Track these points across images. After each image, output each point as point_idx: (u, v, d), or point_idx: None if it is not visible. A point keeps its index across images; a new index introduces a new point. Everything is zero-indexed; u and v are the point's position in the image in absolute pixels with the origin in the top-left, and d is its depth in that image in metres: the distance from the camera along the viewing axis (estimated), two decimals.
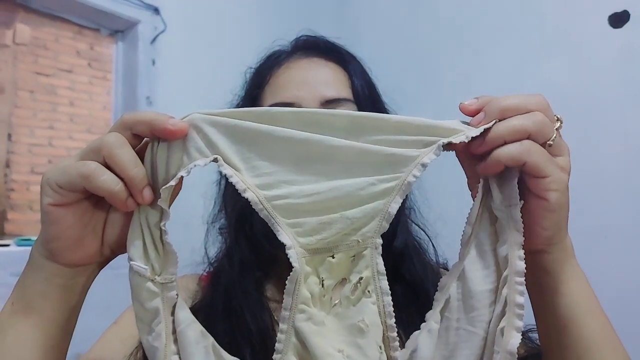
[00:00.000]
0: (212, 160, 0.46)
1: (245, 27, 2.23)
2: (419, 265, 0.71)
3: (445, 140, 0.45)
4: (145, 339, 0.47)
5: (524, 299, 0.44)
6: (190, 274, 0.76)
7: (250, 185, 0.46)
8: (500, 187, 0.46)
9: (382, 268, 0.48)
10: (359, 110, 0.69)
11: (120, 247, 0.49)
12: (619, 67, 1.57)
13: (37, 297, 0.47)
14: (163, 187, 0.44)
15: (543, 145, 0.44)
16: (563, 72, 1.68)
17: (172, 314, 0.47)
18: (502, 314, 0.44)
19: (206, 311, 0.65)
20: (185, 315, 0.47)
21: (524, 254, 0.45)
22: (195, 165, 0.45)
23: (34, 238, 1.75)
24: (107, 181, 0.43)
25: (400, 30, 2.25)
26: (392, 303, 0.47)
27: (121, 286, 0.51)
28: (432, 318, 0.48)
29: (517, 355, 0.43)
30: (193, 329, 0.47)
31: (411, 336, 0.49)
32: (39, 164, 1.90)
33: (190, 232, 0.85)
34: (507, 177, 0.46)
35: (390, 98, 0.79)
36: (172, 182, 0.44)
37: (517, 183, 0.45)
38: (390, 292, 0.48)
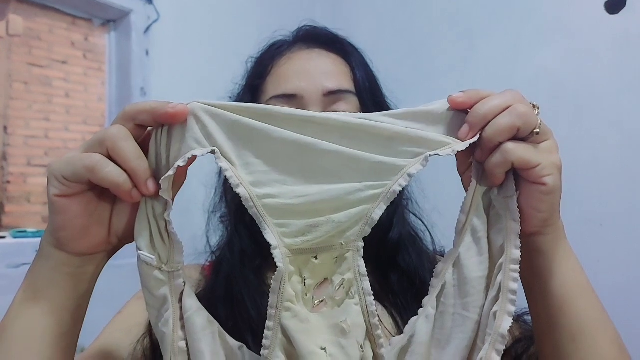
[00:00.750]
0: (210, 152, 0.47)
1: (240, 16, 2.21)
2: (414, 254, 0.72)
3: (432, 153, 0.47)
4: (155, 324, 0.49)
5: (517, 286, 0.46)
6: (193, 264, 0.77)
7: (244, 181, 0.47)
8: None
9: (363, 270, 0.50)
10: (360, 102, 0.70)
11: (127, 237, 0.51)
12: (615, 54, 1.56)
13: (46, 285, 0.49)
14: (162, 178, 0.45)
15: (530, 134, 0.46)
16: (558, 59, 1.68)
17: (180, 301, 0.49)
18: (496, 299, 0.46)
19: (209, 298, 0.65)
20: (192, 302, 0.49)
21: (524, 237, 0.47)
22: (192, 155, 0.46)
23: (30, 230, 1.76)
24: (111, 173, 0.44)
25: (394, 19, 2.24)
26: (374, 303, 0.49)
27: (123, 278, 0.52)
28: (429, 304, 0.50)
29: (508, 338, 0.45)
30: (200, 316, 0.49)
31: (409, 322, 0.50)
32: (35, 156, 1.90)
33: (192, 220, 0.86)
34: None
35: (388, 90, 0.80)
36: (170, 172, 0.45)
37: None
38: (372, 292, 0.49)
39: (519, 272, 0.47)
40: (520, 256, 0.48)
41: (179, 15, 2.07)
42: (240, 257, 0.71)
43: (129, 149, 0.45)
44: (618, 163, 1.54)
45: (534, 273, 0.51)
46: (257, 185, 0.48)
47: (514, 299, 0.46)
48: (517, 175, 0.48)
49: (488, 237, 0.49)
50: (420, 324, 0.49)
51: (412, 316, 0.51)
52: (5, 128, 1.84)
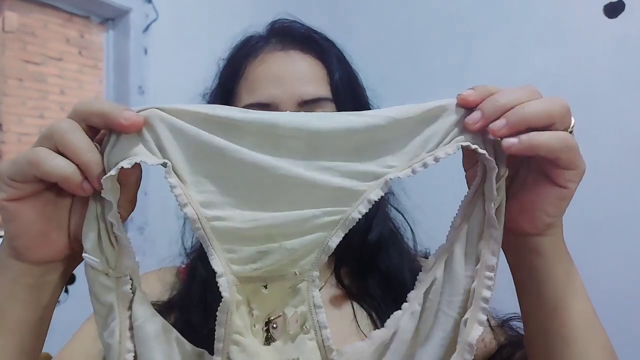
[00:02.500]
0: (161, 164, 0.43)
1: (238, 15, 2.19)
2: (395, 254, 0.70)
3: (392, 176, 0.44)
4: (101, 335, 0.45)
5: (490, 294, 0.44)
6: (168, 267, 0.75)
7: (192, 201, 0.44)
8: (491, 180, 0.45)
9: (318, 301, 0.47)
10: (338, 108, 0.67)
11: None
12: (613, 57, 1.57)
13: (4, 300, 0.45)
14: (104, 177, 0.41)
15: (564, 131, 0.43)
16: (557, 62, 1.68)
17: (129, 309, 0.45)
18: (469, 306, 0.45)
19: (183, 304, 0.64)
20: (144, 310, 0.45)
21: (521, 235, 0.46)
22: (140, 161, 0.42)
23: None
24: (58, 165, 0.40)
25: (392, 20, 2.24)
26: (330, 337, 0.47)
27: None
28: (416, 299, 0.47)
29: (493, 344, 0.43)
30: (153, 323, 0.45)
31: (392, 316, 0.48)
32: None
33: (168, 224, 0.83)
34: (486, 168, 0.45)
35: (374, 90, 0.77)
36: (112, 172, 0.41)
37: (527, 166, 0.45)
38: (327, 325, 0.47)
39: (515, 269, 0.46)
40: (518, 255, 0.48)
41: (177, 14, 2.06)
42: None
43: (79, 141, 0.41)
44: (617, 166, 1.54)
45: (530, 274, 0.49)
46: (207, 206, 0.45)
47: (485, 307, 0.44)
48: (535, 170, 0.45)
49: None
50: (405, 320, 0.47)
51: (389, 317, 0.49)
52: None
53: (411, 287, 0.49)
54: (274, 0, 2.36)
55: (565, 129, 0.42)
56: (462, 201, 0.47)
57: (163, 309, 0.63)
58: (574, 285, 0.48)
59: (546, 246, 0.47)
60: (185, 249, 0.75)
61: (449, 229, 0.47)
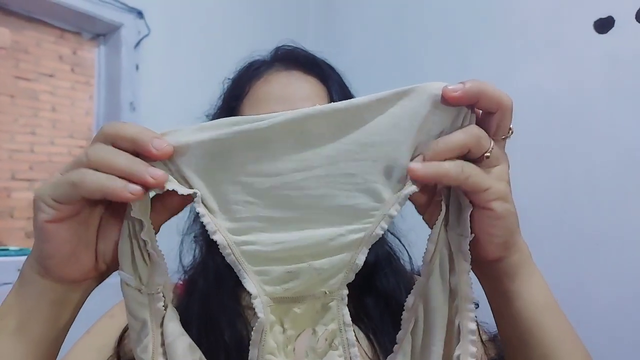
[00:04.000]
0: (191, 194, 0.45)
1: (231, 31, 2.21)
2: (391, 275, 0.71)
3: (409, 191, 0.44)
4: (135, 349, 0.47)
5: (475, 325, 0.45)
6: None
7: (221, 228, 0.46)
8: (456, 215, 0.46)
9: (348, 319, 0.48)
10: None
11: (115, 262, 0.48)
12: (606, 71, 1.58)
13: (27, 315, 0.46)
14: (132, 205, 0.43)
15: (481, 157, 0.44)
16: (550, 77, 1.70)
17: (161, 325, 0.47)
18: (457, 340, 0.45)
19: (182, 319, 0.64)
20: (174, 327, 0.47)
21: (485, 262, 0.48)
22: (172, 189, 0.44)
23: (13, 248, 1.71)
24: (100, 179, 0.41)
25: (387, 35, 2.26)
26: (358, 355, 0.47)
27: (101, 296, 0.50)
28: (405, 340, 0.48)
29: (484, 359, 0.43)
30: (182, 341, 0.47)
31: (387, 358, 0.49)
32: (20, 170, 1.87)
33: (164, 241, 0.83)
34: (462, 206, 0.46)
35: None
36: (169, 187, 0.43)
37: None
38: (355, 343, 0.48)
39: (487, 295, 0.48)
40: (487, 281, 0.50)
41: (169, 30, 2.06)
42: (214, 279, 0.69)
43: (116, 154, 0.42)
44: (611, 180, 1.55)
45: (501, 296, 0.50)
46: (235, 232, 0.46)
47: (474, 339, 0.45)
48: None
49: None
50: None
51: (388, 338, 0.50)
52: None
53: None
54: (268, 15, 2.41)
55: (483, 154, 0.44)
56: (428, 238, 0.47)
57: None
58: (547, 302, 0.50)
59: (512, 268, 0.49)
60: (182, 266, 0.76)
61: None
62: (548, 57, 1.71)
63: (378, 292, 0.69)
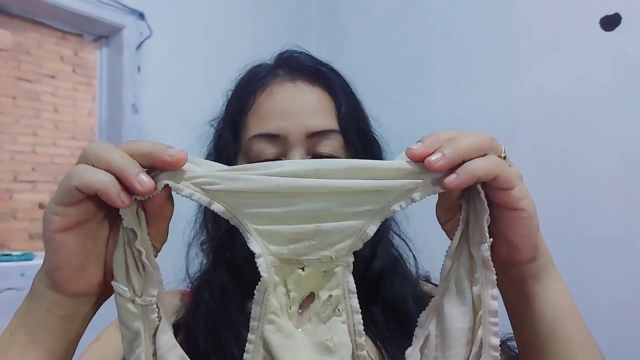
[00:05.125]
0: (165, 185, 0.44)
1: (233, 32, 2.21)
2: (397, 281, 0.70)
3: (440, 190, 0.45)
4: (127, 359, 0.47)
5: (498, 340, 0.44)
6: (174, 290, 0.76)
7: (216, 197, 0.45)
8: (475, 224, 0.46)
9: (352, 286, 0.48)
10: (345, 140, 0.68)
11: None
12: (611, 71, 1.57)
13: (37, 329, 0.47)
14: (122, 214, 0.44)
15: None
16: (555, 76, 1.69)
17: (155, 336, 0.46)
18: (478, 355, 0.44)
19: (188, 328, 0.65)
20: (166, 339, 0.46)
21: (514, 266, 0.47)
22: (164, 184, 0.44)
23: (16, 253, 1.71)
24: (96, 174, 0.42)
25: (390, 37, 2.25)
26: (362, 322, 0.48)
27: (110, 303, 0.50)
28: (412, 356, 0.47)
29: None
30: (174, 354, 0.46)
31: None
32: (22, 171, 1.87)
33: (172, 250, 0.83)
34: (479, 213, 0.46)
35: (376, 110, 0.78)
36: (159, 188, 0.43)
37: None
38: (360, 310, 0.48)
39: (510, 298, 0.47)
40: (513, 284, 0.49)
41: (171, 31, 2.06)
42: (220, 293, 0.69)
43: (114, 152, 0.42)
44: (616, 181, 1.54)
45: (525, 299, 0.50)
46: (236, 197, 0.46)
47: (496, 356, 0.44)
48: (493, 206, 0.46)
49: (472, 287, 0.46)
50: None
51: (396, 346, 0.50)
52: None
53: (416, 314, 0.49)
54: (270, 16, 2.41)
55: (499, 155, 0.45)
56: (446, 252, 0.47)
57: None
58: (569, 306, 0.50)
59: (539, 270, 0.49)
60: (189, 275, 0.76)
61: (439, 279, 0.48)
62: (553, 56, 1.70)
63: (384, 299, 0.68)
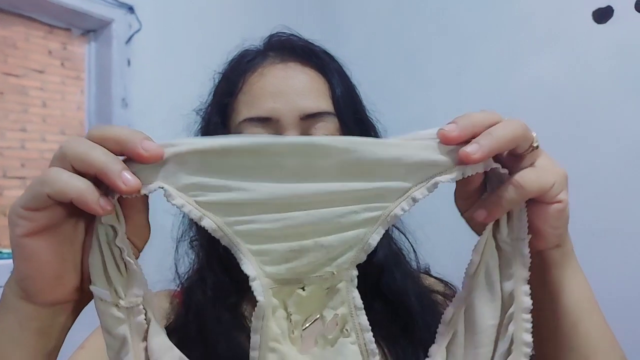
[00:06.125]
0: (160, 188, 0.41)
1: (226, 25, 2.18)
2: (399, 277, 0.68)
3: (443, 179, 0.42)
4: None
5: (531, 337, 0.43)
6: (163, 291, 0.72)
7: (209, 209, 0.41)
8: (508, 219, 0.44)
9: (359, 302, 0.45)
10: (340, 122, 0.65)
11: None
12: (607, 63, 1.58)
13: (9, 346, 0.42)
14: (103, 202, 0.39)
15: (529, 148, 0.44)
16: (552, 68, 1.70)
17: (145, 340, 0.43)
18: (508, 352, 0.43)
19: (179, 336, 0.61)
20: (160, 342, 0.43)
21: (537, 252, 0.45)
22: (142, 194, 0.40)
23: (6, 251, 1.68)
24: (71, 180, 0.38)
25: (387, 27, 2.24)
26: (373, 340, 0.44)
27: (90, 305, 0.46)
28: (439, 354, 0.44)
29: None
30: (170, 357, 0.43)
31: None
32: (11, 167, 1.84)
33: (158, 248, 0.79)
34: (514, 209, 0.44)
35: (374, 101, 0.76)
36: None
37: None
38: (370, 328, 0.44)
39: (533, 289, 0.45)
40: (536, 272, 0.46)
41: (161, 24, 2.03)
42: (213, 293, 0.65)
43: (95, 152, 0.38)
44: (616, 172, 1.54)
45: (546, 289, 0.48)
46: (226, 210, 0.42)
47: (528, 352, 0.42)
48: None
49: (501, 283, 0.45)
50: None
51: (399, 346, 0.48)
52: None
53: (418, 311, 0.49)
54: (264, 7, 2.38)
55: (531, 145, 0.44)
56: (474, 247, 0.44)
57: None
58: (590, 297, 0.48)
59: (562, 257, 0.47)
60: (178, 274, 0.72)
61: (463, 277, 0.45)
62: (549, 49, 1.71)
63: (386, 297, 0.66)
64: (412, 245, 0.74)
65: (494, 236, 0.44)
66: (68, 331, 0.46)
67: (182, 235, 0.73)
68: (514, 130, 0.42)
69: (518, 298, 0.43)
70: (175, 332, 0.61)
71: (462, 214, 0.48)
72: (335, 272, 0.44)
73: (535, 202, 0.44)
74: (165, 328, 0.61)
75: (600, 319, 0.48)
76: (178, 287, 0.71)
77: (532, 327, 0.47)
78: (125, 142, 0.39)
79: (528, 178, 0.42)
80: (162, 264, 0.71)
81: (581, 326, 0.47)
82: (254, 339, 0.42)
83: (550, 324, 0.48)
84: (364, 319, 0.44)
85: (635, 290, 1.48)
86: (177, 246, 0.73)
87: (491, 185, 0.45)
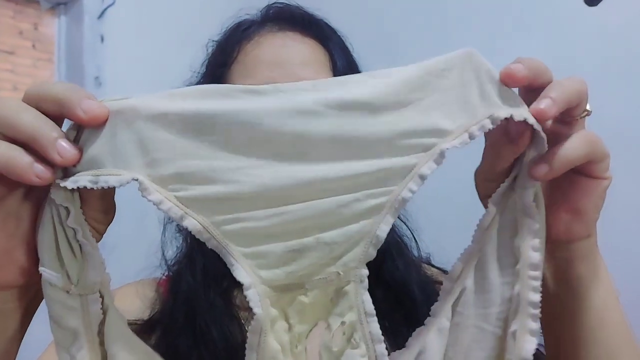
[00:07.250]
0: (134, 180, 0.35)
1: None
2: (401, 265, 0.65)
3: (448, 146, 0.38)
4: None
5: (539, 297, 0.39)
6: (147, 279, 0.67)
7: (192, 206, 0.37)
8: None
9: (370, 307, 0.39)
10: None
11: None
12: (596, 46, 1.56)
13: None
14: (52, 189, 0.35)
15: (583, 113, 0.42)
16: (540, 51, 1.66)
17: (100, 333, 0.39)
18: (515, 313, 0.40)
19: (165, 324, 0.58)
20: (119, 333, 0.40)
21: (566, 245, 0.43)
22: (107, 186, 0.35)
23: None
24: None
25: (364, 7, 2.20)
26: (386, 353, 0.39)
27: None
28: (443, 313, 0.41)
29: None
30: (131, 351, 0.39)
31: (414, 334, 0.42)
32: None
33: (146, 232, 0.75)
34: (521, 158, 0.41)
35: None
36: (68, 184, 0.34)
37: None
38: (382, 338, 0.40)
39: (561, 281, 0.43)
40: (565, 264, 0.44)
41: None
42: (202, 277, 0.62)
43: (25, 115, 0.34)
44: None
45: (568, 286, 0.45)
46: (216, 210, 0.37)
47: (535, 314, 0.38)
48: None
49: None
50: (432, 338, 0.41)
51: (402, 337, 0.42)
52: None
53: (421, 302, 0.47)
54: None
55: (584, 110, 0.42)
56: (490, 199, 0.41)
57: (143, 329, 0.58)
58: (614, 290, 0.47)
59: (591, 248, 0.45)
60: (165, 259, 0.67)
61: (475, 229, 0.42)
62: (538, 32, 1.69)
63: (389, 287, 0.63)
64: (412, 233, 0.71)
65: (515, 189, 0.41)
66: (32, 316, 0.43)
67: (169, 217, 0.69)
68: (581, 84, 0.40)
69: (523, 253, 0.40)
70: (161, 322, 0.59)
71: (481, 199, 0.44)
72: (341, 273, 0.39)
73: (581, 176, 0.42)
74: (150, 318, 0.59)
75: (623, 315, 0.47)
76: (163, 274, 0.67)
77: (546, 332, 0.46)
78: (63, 102, 0.34)
79: (596, 138, 0.40)
80: (149, 249, 0.68)
81: (608, 320, 0.46)
82: (250, 357, 0.37)
83: (576, 319, 0.46)
84: (375, 327, 0.40)
85: (632, 287, 1.48)
86: (164, 229, 0.69)
87: (521, 162, 0.41)
